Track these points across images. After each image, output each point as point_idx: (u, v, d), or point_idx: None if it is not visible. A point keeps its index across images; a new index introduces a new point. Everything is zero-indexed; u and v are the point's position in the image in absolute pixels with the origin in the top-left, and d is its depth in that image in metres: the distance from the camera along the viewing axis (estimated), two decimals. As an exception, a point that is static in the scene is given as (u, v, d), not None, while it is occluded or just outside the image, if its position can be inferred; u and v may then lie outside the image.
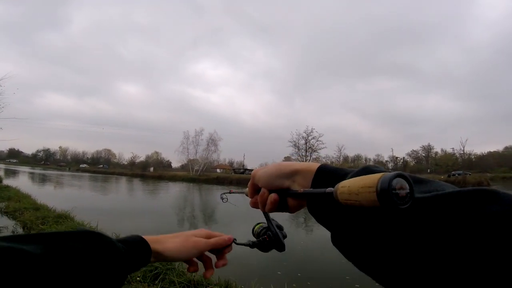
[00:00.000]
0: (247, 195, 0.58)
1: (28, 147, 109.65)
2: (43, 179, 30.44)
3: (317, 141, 46.75)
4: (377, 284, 0.35)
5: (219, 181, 35.78)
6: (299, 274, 4.73)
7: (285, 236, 0.58)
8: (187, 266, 0.61)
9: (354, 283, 4.29)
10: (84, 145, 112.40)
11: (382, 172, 0.32)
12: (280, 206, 0.50)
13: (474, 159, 61.17)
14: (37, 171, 51.25)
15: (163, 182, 35.53)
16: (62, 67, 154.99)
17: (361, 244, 0.35)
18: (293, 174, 0.47)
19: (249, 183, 0.55)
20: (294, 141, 47.72)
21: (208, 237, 0.61)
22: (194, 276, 3.33)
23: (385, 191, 0.29)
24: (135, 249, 0.50)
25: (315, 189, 0.42)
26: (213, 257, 0.61)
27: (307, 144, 47.04)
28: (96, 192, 20.33)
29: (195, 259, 0.60)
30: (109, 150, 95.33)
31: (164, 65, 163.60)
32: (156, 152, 76.65)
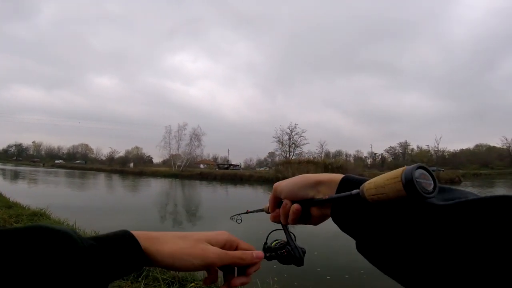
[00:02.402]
0: (267, 212, 0.58)
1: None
2: (16, 176, 28.91)
3: (300, 136, 47.40)
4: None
5: (202, 176, 35.44)
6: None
7: (304, 252, 0.54)
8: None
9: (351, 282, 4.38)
10: (59, 140, 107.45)
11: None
12: (302, 217, 0.51)
13: (447, 156, 64.37)
14: (9, 167, 48.56)
15: (144, 178, 34.70)
16: (29, 59, 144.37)
17: (386, 248, 0.36)
18: (317, 184, 0.48)
19: (270, 197, 0.55)
20: (278, 137, 48.15)
21: (230, 245, 0.46)
22: (178, 272, 3.30)
23: (409, 179, 0.31)
24: (116, 248, 0.37)
25: (341, 193, 0.43)
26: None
27: (291, 139, 47.58)
28: (73, 189, 19.58)
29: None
30: (86, 145, 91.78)
31: (140, 57, 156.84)
32: (137, 147, 74.67)
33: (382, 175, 0.35)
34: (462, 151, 66.97)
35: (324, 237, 6.55)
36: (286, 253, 0.53)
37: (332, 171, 17.25)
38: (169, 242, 0.42)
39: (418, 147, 69.06)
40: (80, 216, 6.79)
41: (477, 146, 68.73)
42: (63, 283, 0.30)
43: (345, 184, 0.44)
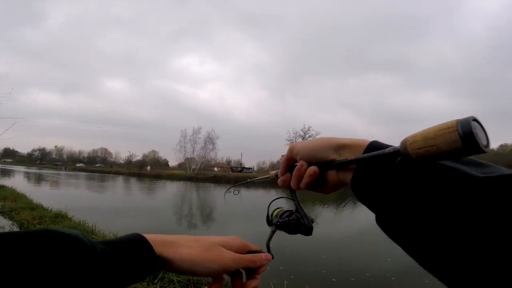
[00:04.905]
0: (273, 178, 0.53)
1: (23, 146, 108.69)
2: (39, 179, 30.17)
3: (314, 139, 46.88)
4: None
5: (216, 179, 35.75)
6: (295, 273, 4.75)
7: (312, 221, 0.50)
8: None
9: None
10: (80, 144, 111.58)
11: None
12: (316, 183, 0.45)
13: (469, 157, 61.75)
14: (33, 170, 50.77)
15: (160, 181, 35.42)
16: (44, 63, 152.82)
17: (415, 222, 0.31)
18: (339, 148, 0.42)
19: (282, 159, 0.50)
20: (291, 139, 47.77)
21: (242, 249, 0.46)
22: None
23: (467, 130, 0.27)
24: (128, 252, 0.35)
25: (372, 152, 0.37)
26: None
27: (304, 142, 47.12)
28: (93, 191, 20.21)
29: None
30: (105, 149, 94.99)
31: (148, 60, 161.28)
32: (153, 151, 76.48)
33: (430, 127, 0.30)
34: (485, 152, 64.06)
35: (331, 241, 6.52)
36: (295, 221, 0.49)
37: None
38: (185, 246, 0.40)
39: (437, 148, 66.65)
40: (99, 217, 6.99)
41: (501, 146, 65.49)
42: None
43: (372, 150, 0.39)
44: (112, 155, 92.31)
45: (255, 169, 58.30)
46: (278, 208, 0.54)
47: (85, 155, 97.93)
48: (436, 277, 0.30)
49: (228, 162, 71.20)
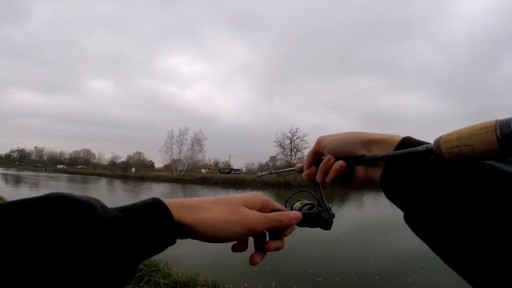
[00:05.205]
0: (298, 171, 0.52)
1: (1, 147, 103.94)
2: (18, 180, 28.94)
3: (301, 140, 47.35)
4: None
5: (204, 181, 35.39)
6: (282, 274, 4.80)
7: (333, 215, 0.49)
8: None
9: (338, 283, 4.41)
10: (62, 145, 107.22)
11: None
12: (343, 178, 0.44)
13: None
14: (11, 172, 48.64)
15: (145, 182, 34.72)
16: (24, 62, 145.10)
17: (447, 220, 0.29)
18: (369, 143, 0.41)
19: (309, 152, 0.48)
20: (279, 141, 48.08)
21: (265, 207, 0.41)
22: (180, 277, 3.29)
23: (507, 131, 0.25)
24: (145, 220, 0.30)
25: (404, 149, 0.36)
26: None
27: (292, 143, 47.55)
28: (75, 193, 19.52)
29: None
30: (88, 150, 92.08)
31: (134, 60, 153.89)
32: (139, 152, 74.79)
33: (467, 126, 0.29)
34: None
35: (316, 241, 6.61)
36: (315, 215, 0.48)
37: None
38: (206, 209, 0.35)
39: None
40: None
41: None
42: (79, 263, 0.24)
43: (404, 147, 0.37)
44: (95, 157, 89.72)
45: (244, 170, 58.15)
46: (299, 201, 0.53)
47: (67, 156, 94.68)
48: (463, 277, 0.29)
49: (216, 163, 70.69)
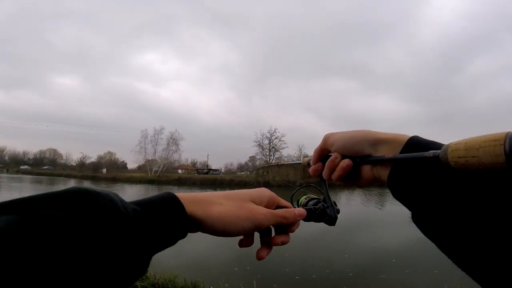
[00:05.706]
0: (305, 166, 0.52)
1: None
2: (-26, 183, 26.58)
3: (279, 141, 47.91)
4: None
5: (181, 182, 34.67)
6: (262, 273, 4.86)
7: (338, 211, 0.49)
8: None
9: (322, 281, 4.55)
10: (25, 144, 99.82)
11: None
12: (349, 176, 0.44)
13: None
14: (-35, 173, 44.55)
15: (117, 184, 33.32)
16: None
17: (455, 220, 0.29)
18: (377, 142, 0.41)
19: (316, 148, 0.48)
20: (259, 141, 48.29)
21: (272, 203, 0.43)
22: (158, 279, 3.24)
23: None
24: (160, 214, 0.32)
25: (411, 153, 0.36)
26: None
27: (271, 143, 47.97)
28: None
29: None
30: (54, 150, 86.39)
31: (105, 56, 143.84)
32: (110, 152, 71.46)
33: (477, 136, 0.28)
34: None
35: (292, 239, 6.74)
36: (320, 210, 0.49)
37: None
38: (216, 203, 0.37)
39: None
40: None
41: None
42: (102, 255, 0.25)
43: (411, 146, 0.37)
44: (62, 157, 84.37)
45: (223, 170, 57.71)
46: (305, 195, 0.54)
47: (31, 156, 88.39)
48: (471, 276, 0.29)
49: (194, 164, 69.46)
